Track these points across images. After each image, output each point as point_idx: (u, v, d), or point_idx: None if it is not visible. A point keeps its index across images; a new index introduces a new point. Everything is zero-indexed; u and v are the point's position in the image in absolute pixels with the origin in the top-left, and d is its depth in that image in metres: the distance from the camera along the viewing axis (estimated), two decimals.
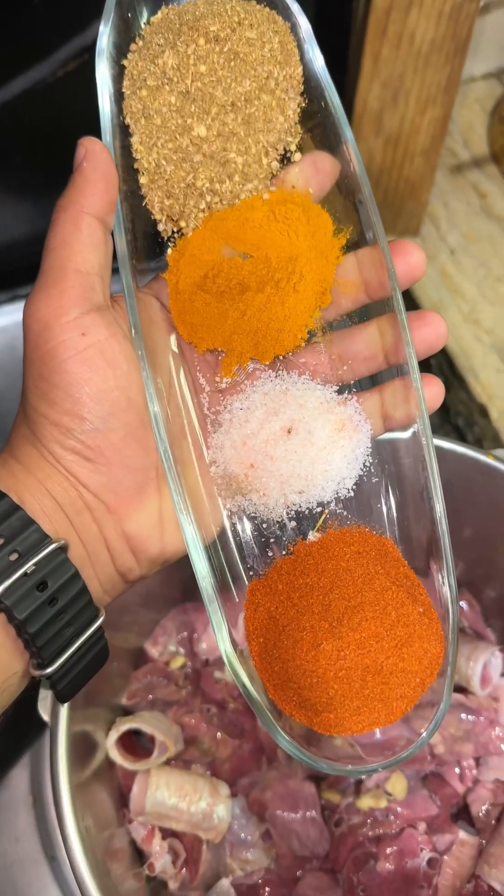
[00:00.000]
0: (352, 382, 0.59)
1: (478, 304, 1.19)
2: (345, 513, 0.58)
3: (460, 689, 0.94)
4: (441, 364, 1.17)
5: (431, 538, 0.56)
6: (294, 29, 0.59)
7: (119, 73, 0.57)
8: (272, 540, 0.58)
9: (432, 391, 0.57)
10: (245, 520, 0.58)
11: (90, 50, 0.88)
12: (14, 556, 0.49)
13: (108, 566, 0.55)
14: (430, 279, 1.22)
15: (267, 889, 0.86)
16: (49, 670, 0.51)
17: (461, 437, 1.09)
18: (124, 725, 0.88)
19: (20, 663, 0.51)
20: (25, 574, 0.49)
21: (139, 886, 0.81)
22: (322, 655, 0.51)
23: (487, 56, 1.38)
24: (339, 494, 0.57)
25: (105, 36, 0.56)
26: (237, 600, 0.57)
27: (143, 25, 0.58)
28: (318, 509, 0.57)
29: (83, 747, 0.80)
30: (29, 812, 0.89)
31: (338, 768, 0.53)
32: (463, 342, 1.16)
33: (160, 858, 0.85)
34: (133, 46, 0.57)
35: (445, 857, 0.86)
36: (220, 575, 0.56)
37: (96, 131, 0.99)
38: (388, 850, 0.85)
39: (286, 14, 0.59)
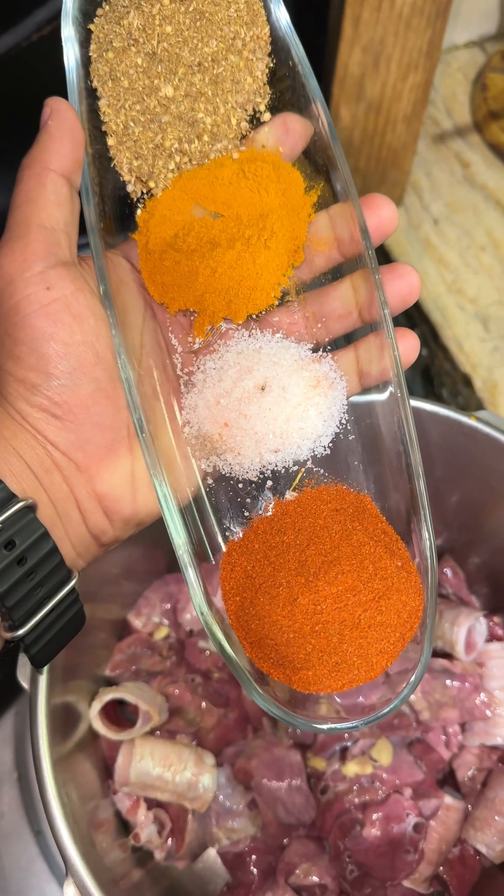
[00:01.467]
0: (327, 341, 0.59)
1: (461, 273, 1.19)
2: (321, 471, 0.57)
3: (445, 654, 0.95)
4: (425, 334, 1.17)
5: (409, 493, 0.56)
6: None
7: (86, 38, 0.56)
8: (248, 500, 0.57)
9: (408, 343, 0.57)
10: (220, 480, 0.57)
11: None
12: None
13: (79, 527, 0.55)
14: (414, 249, 1.22)
15: (253, 857, 0.86)
16: (20, 632, 0.50)
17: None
18: (107, 695, 0.88)
19: None
20: None
21: (125, 857, 0.81)
22: (298, 610, 0.51)
23: (469, 24, 1.37)
24: (316, 453, 0.56)
25: (69, 4, 0.56)
26: (214, 563, 0.56)
27: None
28: (295, 468, 0.56)
29: (66, 718, 0.80)
30: (13, 787, 0.90)
31: (315, 725, 0.53)
32: (447, 312, 1.16)
33: (145, 829, 0.85)
34: (100, 11, 0.57)
35: (431, 822, 0.86)
36: (196, 537, 0.55)
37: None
38: (374, 816, 0.85)
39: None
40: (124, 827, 0.86)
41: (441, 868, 0.85)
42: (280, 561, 0.53)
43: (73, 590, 0.52)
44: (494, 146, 1.30)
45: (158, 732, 0.91)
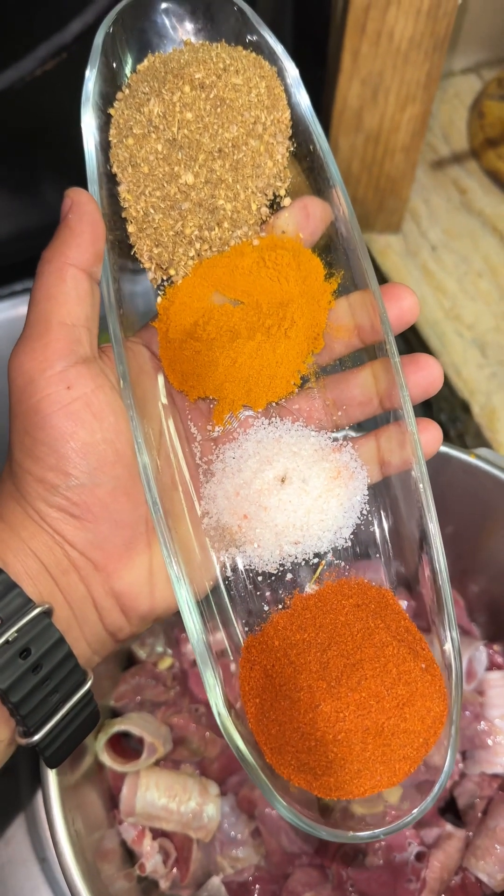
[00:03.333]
0: (347, 428, 0.57)
1: (459, 299, 1.17)
2: (342, 563, 0.56)
3: None
4: None
5: (433, 590, 0.54)
6: (281, 73, 0.57)
7: (105, 123, 0.55)
8: (268, 593, 0.56)
9: (430, 436, 0.55)
10: (239, 572, 0.55)
11: (68, 48, 0.87)
12: None
13: (96, 626, 0.53)
14: (412, 276, 1.20)
15: (257, 886, 0.84)
16: (35, 738, 0.48)
17: (444, 434, 1.07)
18: (113, 728, 0.86)
19: (6, 731, 0.49)
20: (7, 641, 0.47)
21: (130, 886, 0.80)
22: (320, 717, 0.49)
23: (466, 51, 1.35)
24: (336, 544, 0.55)
25: (90, 83, 0.54)
26: (231, 657, 0.54)
27: (128, 74, 0.56)
28: (315, 560, 0.55)
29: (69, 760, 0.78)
30: (19, 814, 0.88)
31: (339, 835, 0.51)
32: (444, 338, 1.14)
33: (151, 858, 0.83)
34: (119, 95, 0.55)
35: (433, 851, 0.85)
36: (214, 631, 0.54)
37: (74, 129, 0.97)
38: (377, 845, 0.83)
39: (272, 59, 0.57)
40: (129, 856, 0.85)
41: None
42: (301, 661, 0.51)
43: (87, 692, 0.51)
44: (491, 173, 1.28)
45: (163, 762, 0.89)
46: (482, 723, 0.89)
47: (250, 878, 0.84)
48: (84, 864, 0.70)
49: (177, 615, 0.52)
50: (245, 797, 0.86)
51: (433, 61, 1.00)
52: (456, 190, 1.27)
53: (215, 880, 0.84)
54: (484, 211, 1.24)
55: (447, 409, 1.10)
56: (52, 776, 0.71)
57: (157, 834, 0.85)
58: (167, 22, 0.57)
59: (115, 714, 0.91)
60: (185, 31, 0.57)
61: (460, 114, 1.34)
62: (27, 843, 0.87)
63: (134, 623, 0.54)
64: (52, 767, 0.51)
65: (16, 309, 1.13)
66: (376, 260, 1.20)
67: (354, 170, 1.12)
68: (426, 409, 1.10)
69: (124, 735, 0.89)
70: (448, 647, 0.53)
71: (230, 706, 0.51)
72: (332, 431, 0.56)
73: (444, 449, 0.85)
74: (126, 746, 0.89)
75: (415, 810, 0.51)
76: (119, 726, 0.86)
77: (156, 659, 0.95)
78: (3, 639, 0.47)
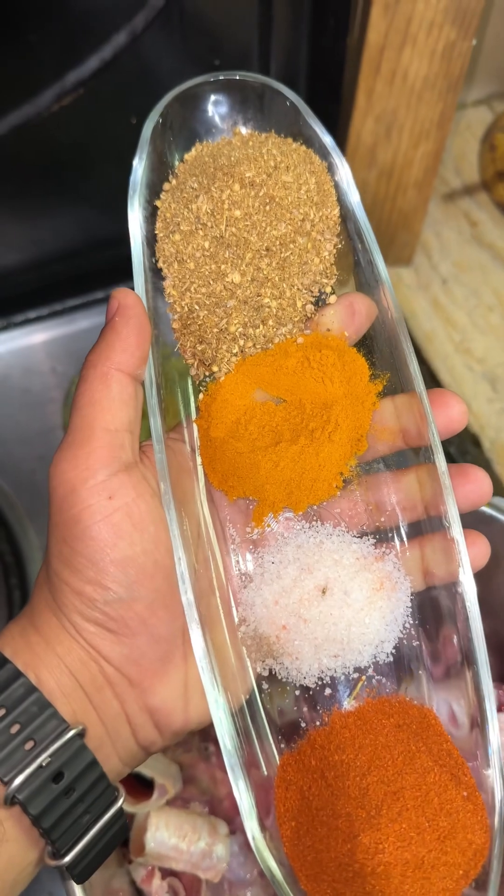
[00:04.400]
0: (392, 532, 0.55)
1: (469, 333, 1.15)
2: (383, 679, 0.53)
3: None
4: None
5: (476, 712, 0.51)
6: (331, 168, 0.55)
7: (151, 214, 0.53)
8: (305, 708, 0.53)
9: (478, 550, 0.52)
10: (276, 685, 0.53)
11: (85, 84, 0.85)
12: (30, 745, 0.45)
13: (128, 741, 0.51)
14: (423, 309, 1.17)
15: None
16: (65, 860, 0.46)
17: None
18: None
19: (34, 853, 0.47)
20: (41, 766, 0.45)
21: None
22: (359, 849, 0.46)
23: (478, 84, 1.32)
24: (378, 659, 0.52)
25: (138, 174, 0.52)
26: (266, 773, 0.52)
27: (175, 163, 0.54)
28: (355, 675, 0.52)
29: None
30: None
31: None
32: (455, 371, 1.12)
33: None
34: (166, 185, 0.53)
35: None
36: (248, 744, 0.51)
37: (88, 161, 0.95)
38: None
39: (323, 152, 0.55)
40: None
41: None
42: (339, 785, 0.49)
43: (118, 809, 0.49)
44: (502, 205, 1.25)
45: (172, 800, 0.86)
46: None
47: None
48: None
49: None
50: None
51: (447, 101, 0.98)
52: (467, 222, 1.24)
53: None
54: (495, 244, 1.22)
55: (456, 443, 1.08)
56: None
57: (166, 873, 0.83)
58: (216, 112, 0.55)
59: None
60: (234, 121, 0.56)
61: (472, 146, 1.31)
62: (35, 879, 0.84)
63: (167, 737, 0.52)
64: (79, 882, 0.49)
65: (29, 337, 1.12)
66: None
67: (367, 205, 1.10)
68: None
69: (133, 775, 0.86)
70: (491, 774, 0.49)
71: (264, 828, 0.48)
72: (375, 536, 0.54)
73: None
74: (136, 784, 0.87)
75: None
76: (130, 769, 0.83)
77: None
78: (37, 763, 0.45)
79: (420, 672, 0.54)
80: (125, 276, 0.50)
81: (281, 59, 0.96)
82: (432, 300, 1.18)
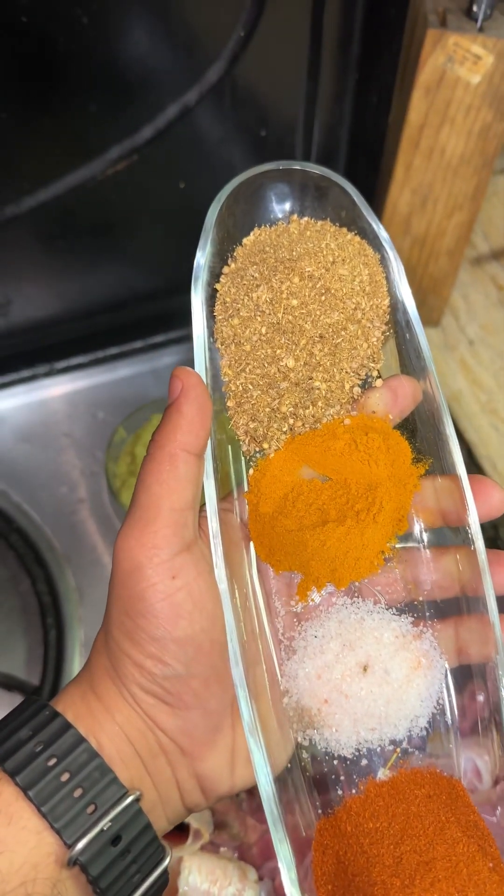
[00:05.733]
0: (429, 609, 0.55)
1: (495, 394, 1.15)
2: (416, 752, 0.53)
3: None
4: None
5: (502, 770, 0.52)
6: (384, 260, 0.55)
7: (210, 295, 0.53)
8: (342, 777, 0.53)
9: None
10: (315, 754, 0.53)
11: (139, 151, 0.88)
12: (91, 809, 0.46)
13: (177, 805, 0.52)
14: (450, 370, 1.18)
15: None
16: None
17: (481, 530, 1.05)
18: None
19: None
20: (102, 830, 0.46)
21: None
22: None
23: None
24: (412, 733, 0.52)
25: (202, 262, 0.53)
26: (304, 834, 0.52)
27: (235, 246, 0.55)
28: (390, 747, 0.53)
29: None
30: None
31: None
32: (482, 432, 1.12)
33: None
34: (225, 269, 0.54)
35: None
36: (288, 810, 0.51)
37: (134, 222, 0.97)
38: None
39: (376, 244, 0.55)
40: None
41: None
42: (374, 852, 0.49)
43: (165, 868, 0.50)
44: None
45: (203, 845, 0.85)
46: None
47: None
48: None
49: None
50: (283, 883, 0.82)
51: (481, 175, 1.00)
52: (494, 286, 1.25)
53: None
54: None
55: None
56: None
57: None
58: (276, 198, 0.56)
59: None
60: (290, 208, 0.56)
61: (499, 212, 1.32)
62: None
63: (210, 800, 0.53)
64: None
65: (73, 383, 1.13)
66: None
67: None
68: None
69: None
70: None
71: (304, 890, 0.49)
72: (413, 615, 0.54)
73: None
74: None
75: None
76: None
77: None
78: (99, 828, 0.46)
79: (451, 746, 0.54)
80: (163, 326, 0.50)
81: (324, 133, 0.97)
82: (459, 361, 1.19)
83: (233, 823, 0.87)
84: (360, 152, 1.00)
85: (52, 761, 0.46)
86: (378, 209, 1.05)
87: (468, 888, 0.47)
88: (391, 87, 0.90)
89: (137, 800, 0.47)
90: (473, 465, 1.11)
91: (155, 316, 1.14)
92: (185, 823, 0.83)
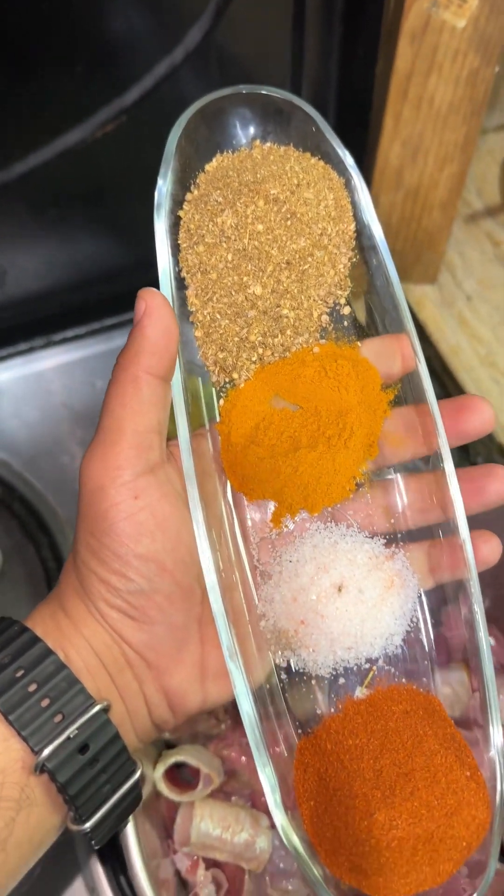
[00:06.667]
0: (400, 533, 0.55)
1: (494, 347, 1.15)
2: (392, 669, 0.54)
3: None
4: None
5: (480, 698, 0.52)
6: (349, 184, 0.55)
7: (174, 224, 0.53)
8: (320, 696, 0.54)
9: (488, 548, 0.53)
10: (292, 675, 0.53)
11: (127, 112, 0.87)
12: (58, 718, 0.47)
13: (145, 720, 0.53)
14: (448, 324, 1.17)
15: None
16: (87, 825, 0.48)
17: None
18: (171, 758, 0.83)
19: (58, 818, 0.48)
20: (69, 737, 0.46)
21: None
22: (375, 825, 0.47)
23: (499, 109, 1.32)
24: (387, 650, 0.53)
25: (164, 189, 0.53)
26: (286, 755, 0.52)
27: (197, 173, 0.54)
28: (367, 665, 0.53)
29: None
30: (70, 850, 0.85)
31: None
32: (481, 385, 1.12)
33: (204, 888, 0.80)
34: (189, 196, 0.53)
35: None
36: (270, 730, 0.52)
37: (127, 189, 0.96)
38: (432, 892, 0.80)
39: (340, 168, 0.55)
40: (183, 886, 0.81)
41: None
42: (354, 766, 0.50)
43: (136, 781, 0.50)
44: None
45: (215, 793, 0.85)
46: None
47: None
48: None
49: None
50: None
51: (471, 124, 0.98)
52: (490, 243, 1.25)
53: None
54: None
55: (484, 454, 1.07)
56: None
57: (210, 865, 0.82)
58: (237, 124, 0.55)
59: (170, 746, 0.88)
60: (254, 133, 0.56)
61: (493, 170, 1.32)
62: (79, 883, 0.84)
63: (179, 718, 0.54)
64: (97, 846, 0.50)
65: (69, 354, 1.13)
66: (413, 309, 1.19)
67: (394, 224, 1.11)
68: (463, 452, 1.06)
69: (177, 767, 0.86)
70: (493, 756, 0.51)
71: (286, 807, 0.50)
72: (385, 537, 0.54)
73: None
74: (179, 777, 0.86)
75: None
76: (176, 757, 0.83)
77: None
78: (65, 735, 0.46)
79: (426, 663, 0.55)
80: None
81: (312, 88, 0.97)
82: (457, 316, 1.19)
83: (243, 772, 0.87)
84: (349, 107, 1.00)
85: (20, 673, 0.47)
86: (369, 163, 1.05)
87: (447, 795, 0.48)
88: (377, 37, 0.89)
89: (105, 710, 0.48)
90: None
91: (150, 284, 1.12)
92: (192, 772, 0.84)
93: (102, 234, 1.06)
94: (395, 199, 1.07)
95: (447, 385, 1.11)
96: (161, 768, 0.81)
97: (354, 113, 0.99)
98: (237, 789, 0.86)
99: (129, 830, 0.69)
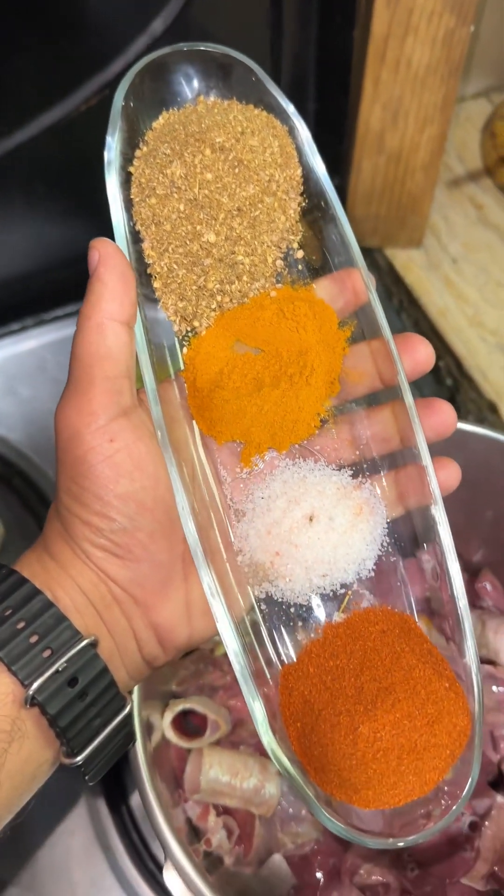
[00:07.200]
0: (366, 464, 0.57)
1: (481, 307, 1.16)
2: (367, 593, 0.55)
3: (489, 661, 0.90)
4: (449, 366, 1.13)
5: (451, 613, 0.53)
6: (293, 132, 0.56)
7: (126, 180, 0.54)
8: (300, 623, 0.55)
9: (447, 473, 0.54)
10: (273, 605, 0.55)
11: (110, 86, 0.87)
12: (47, 653, 0.48)
13: (135, 655, 0.54)
14: (435, 287, 1.19)
15: (318, 858, 0.83)
16: (78, 759, 0.49)
17: None
18: (178, 706, 0.86)
19: (50, 752, 0.49)
20: (58, 671, 0.48)
21: (197, 863, 0.78)
22: (360, 739, 0.49)
23: (477, 77, 1.35)
24: (361, 575, 0.54)
25: (113, 145, 0.53)
26: (272, 683, 0.54)
27: (145, 130, 0.55)
28: (342, 591, 0.54)
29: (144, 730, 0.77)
30: (82, 806, 0.88)
31: (381, 842, 0.51)
32: (470, 344, 1.13)
33: (216, 834, 0.82)
34: (138, 153, 0.54)
35: (486, 821, 0.83)
36: (254, 660, 0.53)
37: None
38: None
39: (283, 117, 0.56)
40: (195, 834, 0.83)
41: (496, 868, 0.81)
42: (337, 686, 0.51)
43: (126, 716, 0.51)
44: None
45: (223, 743, 0.87)
46: None
47: (310, 851, 0.83)
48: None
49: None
50: None
51: (449, 85, 1.00)
52: (472, 206, 1.27)
53: (277, 857, 0.82)
54: (500, 225, 1.24)
55: (475, 411, 1.09)
56: (140, 751, 0.71)
57: (220, 812, 0.84)
58: (182, 81, 0.56)
59: (177, 698, 0.89)
60: (198, 89, 0.56)
61: (473, 136, 1.34)
62: (90, 833, 0.87)
63: (169, 653, 0.55)
64: (90, 782, 0.51)
65: (61, 331, 1.14)
66: (399, 273, 1.21)
67: (378, 188, 1.12)
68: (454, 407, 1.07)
69: (184, 717, 0.88)
70: (469, 664, 0.52)
71: (274, 730, 0.51)
72: (352, 468, 0.56)
73: (481, 431, 0.85)
74: (187, 728, 0.88)
75: (446, 816, 0.51)
76: (184, 704, 0.86)
77: (212, 646, 0.95)
78: (54, 668, 0.47)
79: (399, 584, 0.56)
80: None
81: (291, 58, 0.98)
82: (444, 278, 1.20)
83: (249, 721, 0.89)
84: (329, 74, 1.01)
85: (8, 612, 0.48)
86: (351, 128, 1.05)
87: (427, 705, 0.50)
88: (353, 2, 0.91)
89: (93, 644, 0.49)
90: (464, 378, 1.12)
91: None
92: (200, 723, 0.85)
93: (90, 211, 1.03)
94: (378, 163, 1.08)
95: (436, 346, 1.11)
96: (169, 716, 0.83)
97: (334, 78, 1.00)
98: (245, 738, 0.88)
99: (146, 781, 0.70)
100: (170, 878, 0.68)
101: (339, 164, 1.10)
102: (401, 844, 0.51)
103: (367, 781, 0.49)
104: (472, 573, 0.99)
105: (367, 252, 1.21)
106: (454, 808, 0.51)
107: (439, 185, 1.27)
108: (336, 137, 1.07)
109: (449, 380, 1.13)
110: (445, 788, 0.52)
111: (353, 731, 0.49)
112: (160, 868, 0.83)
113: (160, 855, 0.85)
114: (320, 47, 0.99)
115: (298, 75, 1.00)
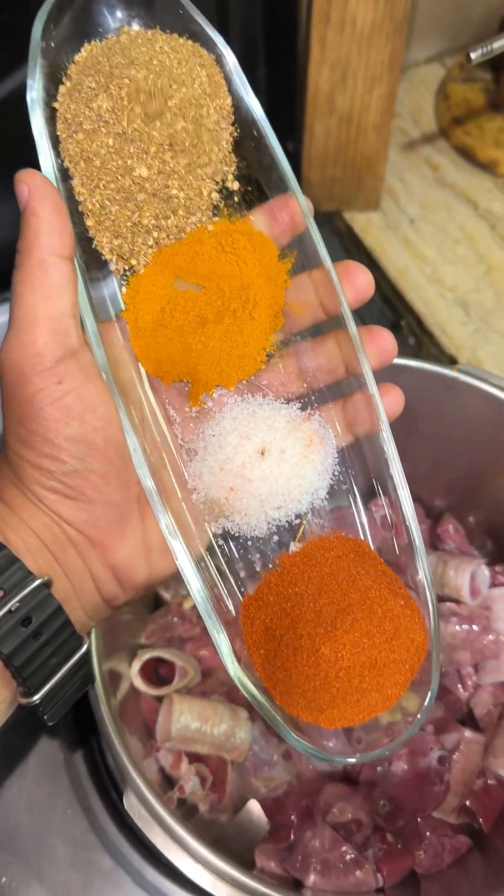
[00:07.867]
0: (314, 395, 0.56)
1: (439, 265, 1.18)
2: (321, 521, 0.55)
3: (452, 599, 0.91)
4: (411, 324, 1.14)
5: (405, 534, 0.53)
6: (220, 60, 0.53)
7: (51, 116, 0.51)
8: (258, 556, 0.54)
9: (393, 399, 0.53)
10: (230, 540, 0.54)
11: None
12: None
13: (93, 595, 0.52)
14: (394, 247, 1.20)
15: (291, 799, 0.83)
16: (35, 698, 0.48)
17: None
18: (146, 655, 0.85)
19: (7, 692, 0.48)
20: (10, 611, 0.46)
21: (171, 811, 0.77)
22: (322, 659, 0.49)
23: (428, 42, 1.36)
24: (314, 504, 0.53)
25: (34, 89, 0.50)
26: (234, 615, 0.53)
27: (67, 65, 0.51)
28: (297, 521, 0.54)
29: (111, 682, 0.76)
30: (60, 767, 0.87)
31: (348, 758, 0.52)
32: (429, 302, 1.14)
33: (189, 781, 0.82)
34: (62, 88, 0.51)
35: (454, 755, 0.83)
36: (216, 594, 0.53)
37: None
38: (401, 751, 0.82)
39: (210, 46, 0.53)
40: (168, 783, 0.82)
41: (468, 801, 0.81)
42: (297, 612, 0.51)
43: (83, 655, 0.51)
44: (460, 148, 1.29)
45: (193, 691, 0.87)
46: (490, 635, 0.88)
47: (283, 793, 0.83)
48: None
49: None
50: None
51: (394, 43, 1.00)
52: (428, 167, 1.28)
53: (251, 803, 0.82)
54: (456, 184, 1.25)
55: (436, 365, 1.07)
56: (104, 709, 0.70)
57: (193, 759, 0.83)
58: (103, 11, 0.53)
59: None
60: (120, 19, 0.53)
61: (427, 99, 1.35)
62: (71, 793, 0.86)
63: (129, 592, 0.53)
64: (49, 723, 0.50)
65: None
66: (358, 236, 1.21)
67: (331, 151, 1.12)
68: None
69: (155, 670, 0.88)
70: (421, 581, 0.53)
71: (239, 659, 0.51)
72: (300, 401, 0.55)
73: (427, 367, 0.84)
74: (157, 679, 0.88)
75: (410, 727, 0.52)
76: (152, 653, 0.85)
77: (180, 600, 0.94)
78: (6, 609, 0.46)
79: (352, 510, 0.56)
80: None
81: (239, 26, 0.97)
82: (402, 239, 1.21)
83: (219, 670, 0.89)
84: (276, 39, 1.00)
85: None
86: (301, 91, 1.05)
87: (385, 623, 0.50)
88: None
89: (46, 584, 0.48)
90: (425, 335, 1.13)
91: None
92: (169, 672, 0.85)
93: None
94: (330, 125, 1.08)
95: (397, 306, 1.14)
96: (136, 664, 0.83)
97: (282, 45, 0.99)
98: (215, 687, 0.88)
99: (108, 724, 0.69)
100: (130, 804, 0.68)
101: (292, 128, 1.09)
102: (369, 758, 0.52)
103: (331, 700, 0.49)
104: (434, 518, 0.99)
105: (327, 216, 1.21)
106: (419, 717, 0.51)
107: (395, 148, 1.28)
108: (288, 101, 1.07)
109: (412, 338, 1.13)
110: (404, 706, 0.53)
111: (314, 653, 0.49)
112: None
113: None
114: (267, 10, 0.98)
115: (247, 42, 1.00)
